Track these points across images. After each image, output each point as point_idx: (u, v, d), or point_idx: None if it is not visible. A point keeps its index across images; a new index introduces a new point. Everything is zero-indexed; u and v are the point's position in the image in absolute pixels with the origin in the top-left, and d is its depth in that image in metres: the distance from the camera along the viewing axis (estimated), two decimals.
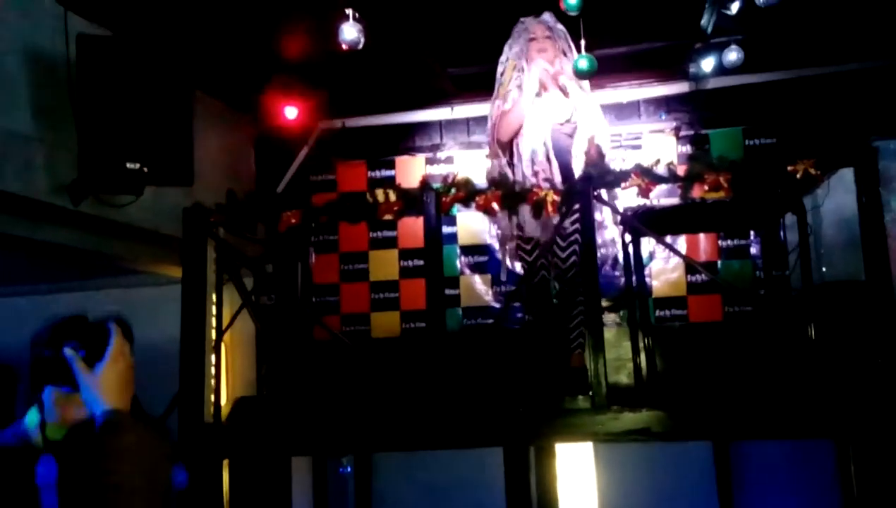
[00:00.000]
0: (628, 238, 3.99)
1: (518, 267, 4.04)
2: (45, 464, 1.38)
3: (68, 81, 3.84)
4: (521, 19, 3.98)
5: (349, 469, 5.63)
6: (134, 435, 1.30)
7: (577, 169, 3.69)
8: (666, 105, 5.53)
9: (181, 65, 4.08)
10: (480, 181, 3.58)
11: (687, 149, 5.46)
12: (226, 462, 3.55)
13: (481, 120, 4.93)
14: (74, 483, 1.45)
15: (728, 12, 4.38)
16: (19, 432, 1.45)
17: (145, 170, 3.86)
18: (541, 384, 3.74)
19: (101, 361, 1.37)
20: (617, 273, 4.21)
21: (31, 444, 1.45)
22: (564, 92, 3.79)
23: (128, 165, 3.82)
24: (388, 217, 3.58)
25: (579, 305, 3.69)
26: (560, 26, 3.94)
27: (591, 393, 3.22)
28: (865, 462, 3.24)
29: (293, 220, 3.60)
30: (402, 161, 5.82)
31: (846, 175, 3.56)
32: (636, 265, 4.01)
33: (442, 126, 5.76)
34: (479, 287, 5.54)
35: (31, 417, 1.46)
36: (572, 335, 3.74)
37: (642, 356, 3.86)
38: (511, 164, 3.89)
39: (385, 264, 5.74)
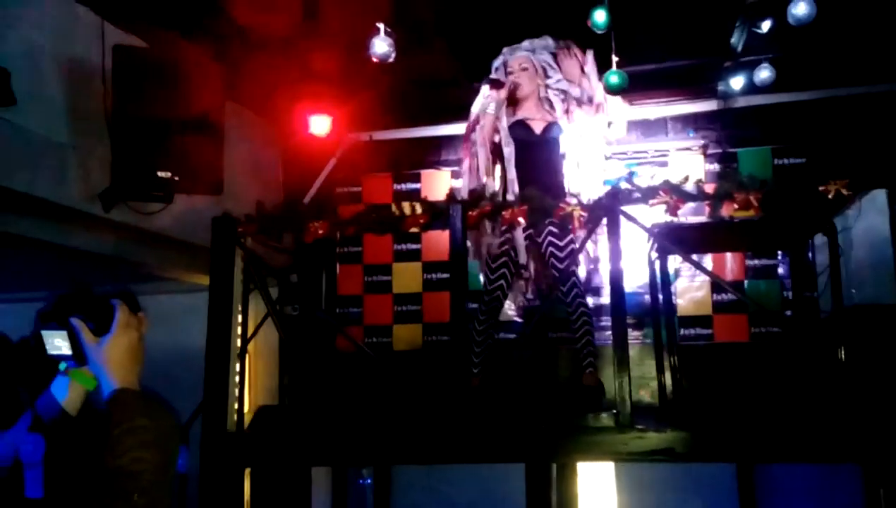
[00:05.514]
0: (655, 255, 3.97)
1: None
2: (33, 442, 1.37)
3: (103, 91, 3.90)
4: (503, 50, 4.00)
5: (369, 481, 5.62)
6: (143, 418, 1.28)
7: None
8: (694, 122, 5.51)
9: (213, 76, 4.14)
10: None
11: (714, 167, 5.42)
12: (247, 471, 3.56)
13: None
14: (81, 464, 1.45)
15: (759, 31, 4.37)
16: (52, 403, 1.44)
17: (176, 179, 3.91)
18: (563, 400, 3.70)
19: (107, 334, 1.35)
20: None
21: (66, 414, 1.43)
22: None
23: (159, 174, 3.87)
24: (414, 229, 3.59)
25: (581, 317, 3.67)
26: (537, 53, 3.96)
27: (615, 411, 3.18)
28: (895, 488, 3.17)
29: (320, 231, 3.61)
30: (427, 174, 5.85)
31: (878, 196, 3.52)
32: (663, 282, 3.98)
33: None
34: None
35: (60, 387, 1.44)
36: (581, 352, 3.70)
37: (667, 374, 3.82)
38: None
39: (409, 276, 5.75)
